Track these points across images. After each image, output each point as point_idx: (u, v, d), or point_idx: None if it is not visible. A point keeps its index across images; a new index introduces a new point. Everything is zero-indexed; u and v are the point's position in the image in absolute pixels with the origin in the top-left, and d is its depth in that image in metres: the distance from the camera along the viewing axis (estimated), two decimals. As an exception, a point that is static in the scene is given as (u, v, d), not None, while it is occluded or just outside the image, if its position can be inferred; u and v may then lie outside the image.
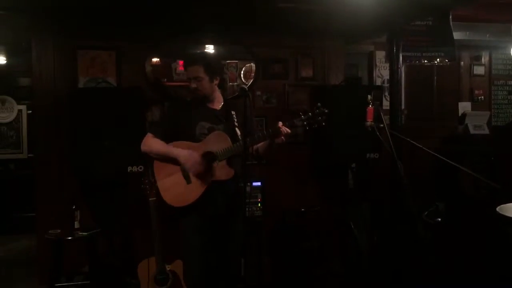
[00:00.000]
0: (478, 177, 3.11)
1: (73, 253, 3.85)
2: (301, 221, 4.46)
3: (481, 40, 5.50)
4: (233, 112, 2.82)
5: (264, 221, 4.17)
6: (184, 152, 2.70)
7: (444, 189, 4.48)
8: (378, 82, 5.59)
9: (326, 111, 2.69)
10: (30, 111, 6.63)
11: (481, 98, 6.10)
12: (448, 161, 2.94)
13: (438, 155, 3.02)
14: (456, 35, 4.51)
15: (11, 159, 6.82)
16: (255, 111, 3.87)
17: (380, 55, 5.48)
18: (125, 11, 3.86)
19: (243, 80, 4.55)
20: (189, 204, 2.68)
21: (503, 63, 6.25)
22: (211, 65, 2.80)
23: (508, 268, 2.86)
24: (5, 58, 6.24)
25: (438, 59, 4.42)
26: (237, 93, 4.07)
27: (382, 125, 2.85)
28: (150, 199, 3.35)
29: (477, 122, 5.08)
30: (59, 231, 3.71)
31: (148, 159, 2.85)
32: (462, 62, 6.00)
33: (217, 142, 2.70)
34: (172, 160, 2.72)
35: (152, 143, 2.77)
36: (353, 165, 4.71)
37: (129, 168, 3.73)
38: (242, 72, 4.56)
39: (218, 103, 2.88)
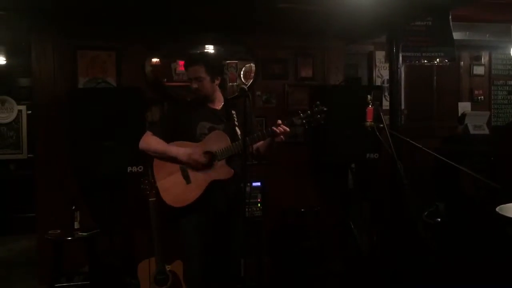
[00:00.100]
0: (478, 177, 3.11)
1: (73, 253, 3.85)
2: (301, 221, 4.46)
3: (481, 40, 5.51)
4: (233, 112, 2.82)
5: (264, 221, 4.17)
6: (182, 149, 2.70)
7: (444, 189, 4.47)
8: (378, 82, 5.60)
9: (325, 109, 2.68)
10: (30, 112, 6.63)
11: (481, 98, 6.10)
12: (448, 161, 2.94)
13: (438, 155, 3.02)
14: (456, 35, 4.51)
15: (11, 159, 6.82)
16: (255, 111, 3.87)
17: (380, 55, 5.48)
18: (125, 11, 3.86)
19: (243, 80, 4.55)
20: (189, 204, 2.68)
21: (503, 63, 6.26)
22: (213, 65, 2.79)
23: (508, 268, 2.86)
24: (5, 59, 6.23)
25: (438, 59, 4.43)
26: (237, 93, 4.07)
27: (382, 125, 2.85)
28: (149, 199, 3.35)
29: (477, 122, 5.08)
30: (59, 231, 3.71)
31: (148, 159, 2.85)
32: (462, 62, 6.00)
33: (216, 142, 2.70)
34: (171, 160, 2.72)
35: (150, 141, 2.77)
36: (353, 165, 4.72)
37: (129, 169, 3.73)
38: (242, 72, 4.56)
39: (219, 103, 2.87)
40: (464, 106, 5.87)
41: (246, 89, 2.60)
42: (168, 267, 3.43)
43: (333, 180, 4.69)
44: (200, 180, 2.69)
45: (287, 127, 2.63)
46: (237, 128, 2.77)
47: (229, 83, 4.51)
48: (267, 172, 4.15)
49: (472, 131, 5.00)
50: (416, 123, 5.59)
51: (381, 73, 5.59)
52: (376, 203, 4.79)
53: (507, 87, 6.30)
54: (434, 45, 4.38)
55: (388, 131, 2.90)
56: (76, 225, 3.76)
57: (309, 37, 4.67)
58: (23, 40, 4.40)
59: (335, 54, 4.87)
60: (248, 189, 2.64)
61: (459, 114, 5.49)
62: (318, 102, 2.70)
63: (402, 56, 4.08)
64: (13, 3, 3.61)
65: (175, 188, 2.71)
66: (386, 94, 5.07)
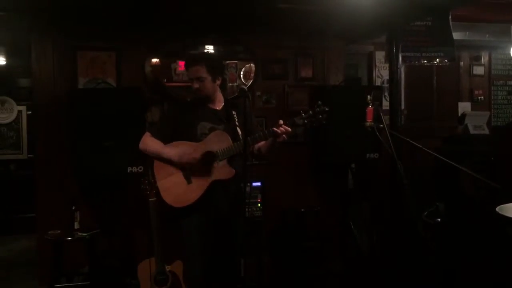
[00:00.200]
0: (478, 177, 3.11)
1: (73, 253, 3.85)
2: (301, 221, 4.46)
3: (480, 40, 5.50)
4: (233, 112, 2.82)
5: (264, 221, 4.17)
6: (173, 151, 2.69)
7: (444, 189, 4.47)
8: (378, 82, 5.60)
9: (326, 109, 2.67)
10: (30, 112, 6.63)
11: (480, 98, 6.10)
12: (448, 161, 2.94)
13: (438, 155, 3.02)
14: (456, 35, 4.51)
15: (11, 159, 6.83)
16: (254, 112, 3.87)
17: (380, 55, 5.48)
18: (124, 11, 3.85)
19: (243, 81, 4.55)
20: (190, 204, 2.67)
21: (502, 63, 6.26)
22: (214, 65, 2.79)
23: (508, 268, 2.86)
24: (4, 59, 6.24)
25: (437, 59, 4.43)
26: (236, 94, 4.07)
27: (381, 126, 2.85)
28: (149, 199, 3.34)
29: (477, 122, 5.07)
30: (59, 231, 3.71)
31: (148, 159, 2.84)
32: (462, 62, 6.00)
33: (217, 142, 2.69)
34: (166, 162, 2.71)
35: (148, 143, 2.77)
36: (353, 165, 4.72)
37: (129, 169, 3.73)
38: (241, 73, 4.56)
39: (219, 103, 2.86)
40: (464, 106, 5.88)
41: (246, 89, 2.60)
42: (168, 268, 3.43)
43: (333, 180, 4.69)
44: (201, 180, 2.68)
45: (288, 127, 2.62)
46: (238, 129, 2.76)
47: (229, 83, 4.51)
48: (267, 172, 4.15)
49: (472, 131, 5.00)
50: (416, 123, 5.59)
51: (381, 73, 5.59)
52: (376, 203, 4.79)
53: (507, 87, 6.30)
54: (434, 45, 4.38)
55: (388, 131, 2.90)
56: (76, 226, 3.77)
57: (309, 37, 4.67)
58: (23, 41, 4.39)
59: (335, 54, 4.87)
60: (248, 189, 2.64)
61: (459, 114, 5.49)
62: (320, 102, 2.69)
63: (402, 56, 4.08)
64: (13, 3, 3.61)
65: (176, 188, 2.70)
66: (386, 94, 5.06)
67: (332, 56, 4.85)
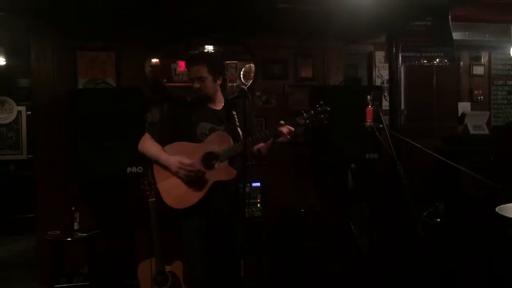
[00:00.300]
0: (478, 177, 3.12)
1: (73, 254, 3.85)
2: (301, 221, 4.46)
3: (480, 40, 5.50)
4: (234, 112, 2.81)
5: (264, 221, 4.17)
6: (171, 160, 2.66)
7: (444, 189, 4.47)
8: (378, 82, 5.59)
9: (328, 109, 2.66)
10: (30, 112, 6.63)
11: (480, 98, 6.10)
12: (448, 161, 2.94)
13: (438, 155, 3.02)
14: (456, 35, 4.51)
15: (11, 160, 6.82)
16: (254, 112, 3.87)
17: (380, 55, 5.48)
18: (124, 11, 3.85)
19: (243, 81, 4.55)
20: (190, 206, 2.66)
21: (502, 63, 6.25)
22: (215, 65, 2.77)
23: (508, 268, 2.86)
24: (4, 59, 6.24)
25: (437, 59, 4.43)
26: (236, 94, 4.07)
27: (381, 126, 2.85)
28: (149, 200, 3.34)
29: (476, 122, 5.07)
30: (58, 232, 3.71)
31: (148, 159, 2.84)
32: (462, 62, 6.00)
33: (218, 142, 2.68)
34: (164, 167, 2.69)
35: (146, 145, 2.75)
36: (353, 165, 4.72)
37: (129, 169, 3.73)
38: (241, 73, 4.56)
39: (219, 104, 2.85)
40: (464, 106, 5.88)
41: (246, 89, 2.59)
42: (168, 268, 3.43)
43: (333, 180, 4.69)
44: (202, 181, 2.66)
45: (291, 126, 2.62)
46: (238, 129, 2.75)
47: (229, 83, 4.51)
48: (267, 172, 4.15)
49: (472, 131, 5.00)
50: (416, 123, 5.59)
51: (381, 73, 5.58)
52: (376, 203, 4.79)
53: (507, 87, 6.30)
54: (433, 45, 4.38)
55: (388, 131, 2.90)
56: (76, 226, 3.77)
57: (309, 37, 4.67)
58: (22, 41, 4.39)
59: (335, 54, 4.87)
60: (248, 189, 2.63)
61: (459, 114, 5.49)
62: (321, 102, 2.67)
63: (402, 56, 4.08)
64: (12, 4, 3.61)
65: (176, 190, 2.68)
66: (386, 94, 5.06)
67: (332, 56, 4.85)
